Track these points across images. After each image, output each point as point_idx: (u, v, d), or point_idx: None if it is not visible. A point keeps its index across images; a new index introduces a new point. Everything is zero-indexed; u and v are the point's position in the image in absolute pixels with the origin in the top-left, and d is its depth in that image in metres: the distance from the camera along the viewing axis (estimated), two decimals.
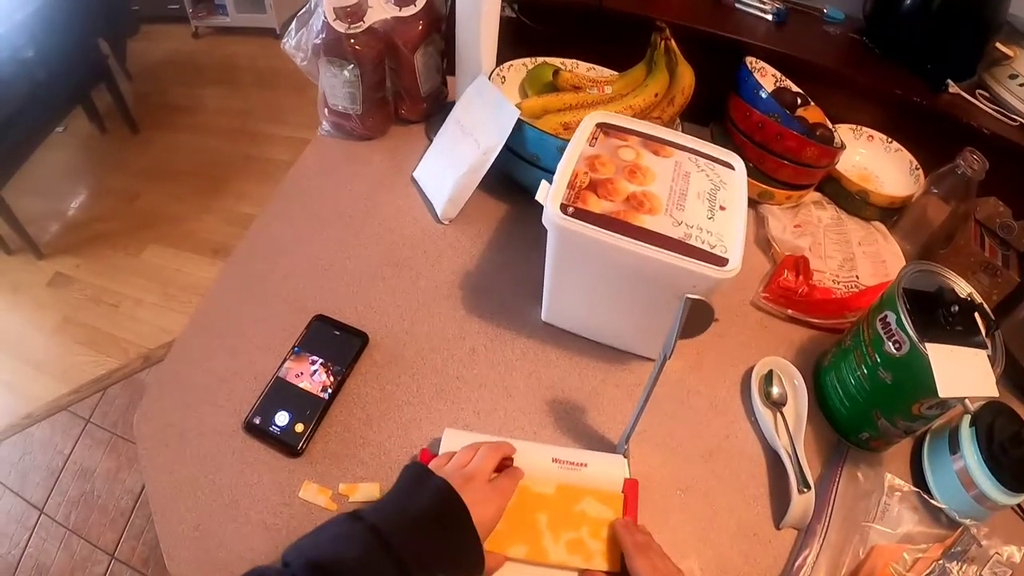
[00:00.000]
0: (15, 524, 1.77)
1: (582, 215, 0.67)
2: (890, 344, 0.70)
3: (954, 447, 0.74)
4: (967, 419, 0.74)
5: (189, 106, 3.19)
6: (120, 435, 1.95)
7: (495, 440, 0.70)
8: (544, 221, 0.69)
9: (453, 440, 0.72)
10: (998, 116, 1.11)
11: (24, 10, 2.28)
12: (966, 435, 0.73)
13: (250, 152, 2.91)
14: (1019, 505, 0.76)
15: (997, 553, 0.69)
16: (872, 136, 1.13)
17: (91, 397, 2.04)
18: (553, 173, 0.72)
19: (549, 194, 0.69)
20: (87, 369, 2.11)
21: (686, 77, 0.98)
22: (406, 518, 0.57)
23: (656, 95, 0.98)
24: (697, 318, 0.56)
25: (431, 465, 0.66)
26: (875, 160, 1.13)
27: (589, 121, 0.78)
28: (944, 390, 0.64)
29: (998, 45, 1.15)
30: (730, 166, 0.77)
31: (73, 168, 2.88)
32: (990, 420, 0.72)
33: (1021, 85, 1.12)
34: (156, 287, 2.34)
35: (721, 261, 0.65)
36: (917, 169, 1.08)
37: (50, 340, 2.21)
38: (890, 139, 1.12)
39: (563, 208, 0.67)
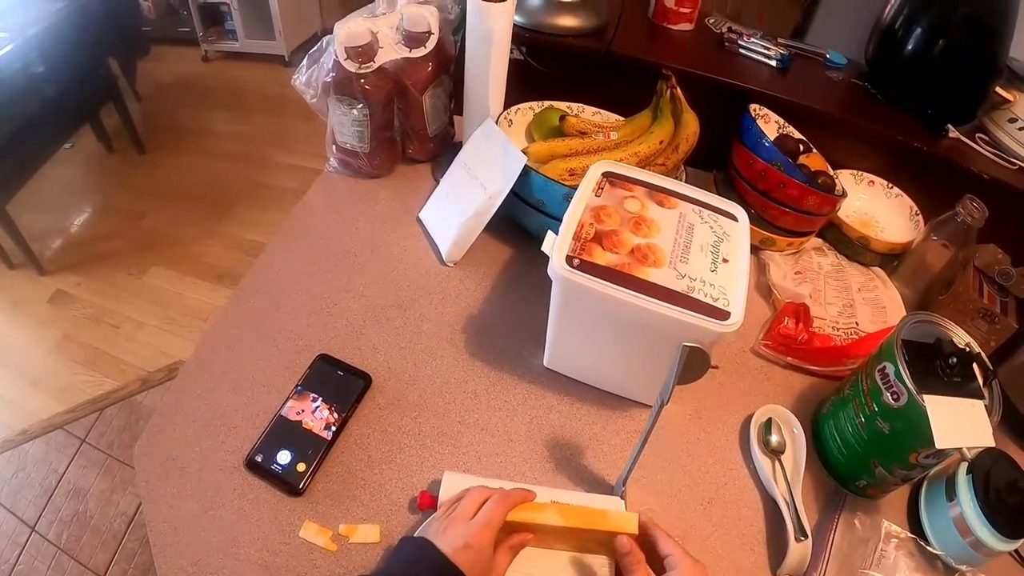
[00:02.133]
0: (6, 540, 1.76)
1: (587, 268, 0.68)
2: (888, 395, 0.71)
3: (951, 494, 0.74)
4: (964, 466, 0.74)
5: (196, 129, 3.21)
6: (115, 457, 1.93)
7: (495, 485, 0.70)
8: (549, 272, 0.70)
9: (452, 483, 0.72)
10: (998, 160, 1.12)
11: (36, 26, 2.31)
12: (963, 482, 0.73)
13: (256, 178, 2.93)
14: (1016, 551, 0.76)
15: None
16: (873, 181, 1.15)
17: (87, 417, 2.03)
18: (558, 219, 0.73)
19: (555, 245, 0.70)
20: (85, 389, 2.10)
21: (691, 125, 0.99)
22: None
23: (661, 142, 0.99)
24: (694, 365, 0.57)
25: (437, 518, 0.66)
26: (876, 206, 1.14)
27: (595, 170, 0.80)
28: (941, 441, 0.65)
29: (998, 89, 1.16)
30: (733, 217, 0.79)
31: (79, 185, 2.90)
32: (987, 467, 0.73)
33: (1021, 129, 1.13)
34: (157, 310, 2.35)
35: (723, 315, 0.66)
36: (917, 215, 1.09)
37: (49, 357, 2.21)
38: (891, 184, 1.14)
39: (568, 260, 0.68)
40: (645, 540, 0.65)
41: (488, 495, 0.65)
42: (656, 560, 0.63)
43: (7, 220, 2.32)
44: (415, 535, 0.64)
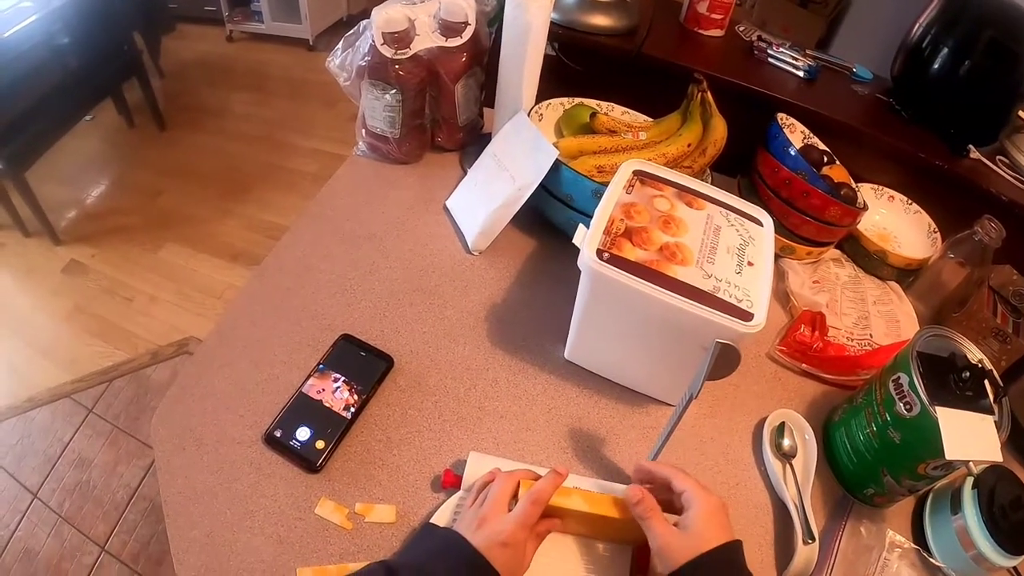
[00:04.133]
0: (7, 506, 1.77)
1: (617, 262, 0.69)
2: (901, 405, 0.72)
3: (955, 507, 0.75)
4: (970, 481, 0.75)
5: (217, 109, 3.22)
6: (121, 428, 1.94)
7: (520, 466, 0.71)
8: (579, 264, 0.71)
9: (478, 463, 0.73)
10: (1017, 183, 1.13)
11: None
12: (968, 496, 0.74)
13: (274, 161, 2.92)
14: (1016, 568, 0.76)
15: None
16: (893, 197, 1.16)
17: (95, 387, 2.04)
18: (586, 215, 0.74)
19: (586, 238, 0.71)
20: (94, 359, 2.12)
21: (719, 129, 1.00)
22: None
23: (689, 145, 1.00)
24: (725, 362, 0.59)
25: (467, 508, 0.66)
26: (895, 221, 1.15)
27: (626, 168, 0.81)
28: (951, 453, 0.66)
29: (1020, 113, 1.17)
30: (759, 222, 0.79)
31: (98, 159, 2.91)
32: (992, 483, 0.73)
33: None
34: (171, 285, 2.36)
35: (747, 316, 0.67)
36: (935, 232, 1.10)
37: (60, 327, 2.22)
38: (910, 201, 1.15)
39: (599, 253, 0.69)
40: (659, 484, 0.65)
41: (517, 480, 0.65)
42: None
43: (25, 188, 2.34)
44: (445, 527, 0.65)
